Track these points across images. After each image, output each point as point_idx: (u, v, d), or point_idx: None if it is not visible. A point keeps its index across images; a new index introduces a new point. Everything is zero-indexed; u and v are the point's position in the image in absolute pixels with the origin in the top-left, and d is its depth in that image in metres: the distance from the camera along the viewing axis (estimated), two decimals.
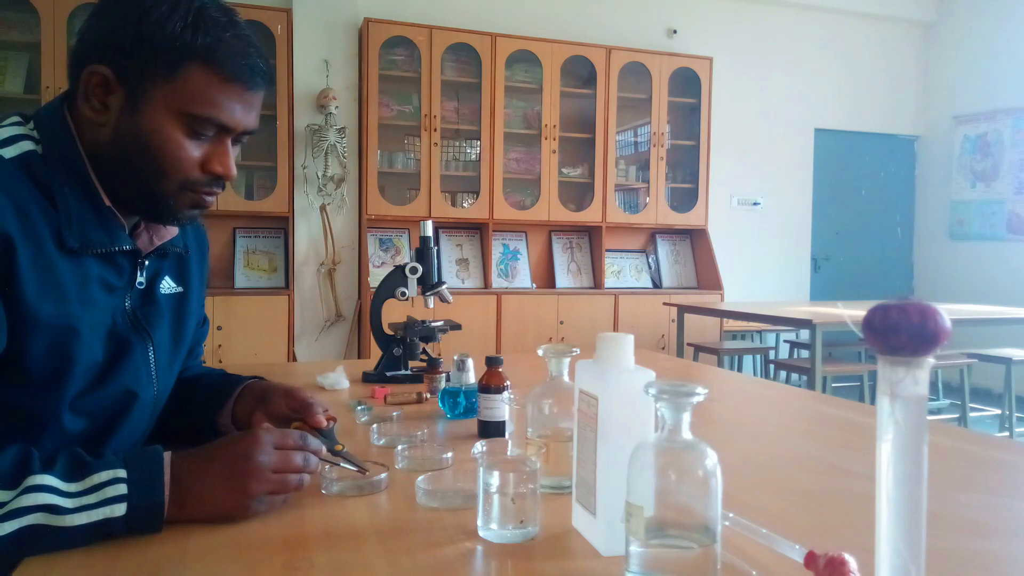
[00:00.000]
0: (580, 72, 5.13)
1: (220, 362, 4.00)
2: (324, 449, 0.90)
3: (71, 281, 0.85)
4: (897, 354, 0.50)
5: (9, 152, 0.83)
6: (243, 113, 0.89)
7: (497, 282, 4.95)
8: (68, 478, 0.73)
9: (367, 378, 1.66)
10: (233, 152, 0.92)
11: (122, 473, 0.75)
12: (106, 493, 0.73)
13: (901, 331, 0.49)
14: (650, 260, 5.47)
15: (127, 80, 0.84)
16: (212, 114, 0.86)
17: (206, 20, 0.84)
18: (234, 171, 0.91)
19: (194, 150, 0.87)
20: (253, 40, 0.89)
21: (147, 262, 0.97)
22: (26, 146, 0.84)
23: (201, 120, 0.86)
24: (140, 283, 0.96)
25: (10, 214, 0.79)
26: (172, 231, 1.00)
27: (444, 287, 1.74)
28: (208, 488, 0.79)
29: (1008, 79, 5.91)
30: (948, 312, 0.48)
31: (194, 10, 0.84)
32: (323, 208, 4.53)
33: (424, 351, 1.70)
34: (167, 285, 1.01)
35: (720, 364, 4.68)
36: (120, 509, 0.73)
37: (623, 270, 5.36)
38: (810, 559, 0.61)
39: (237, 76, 0.86)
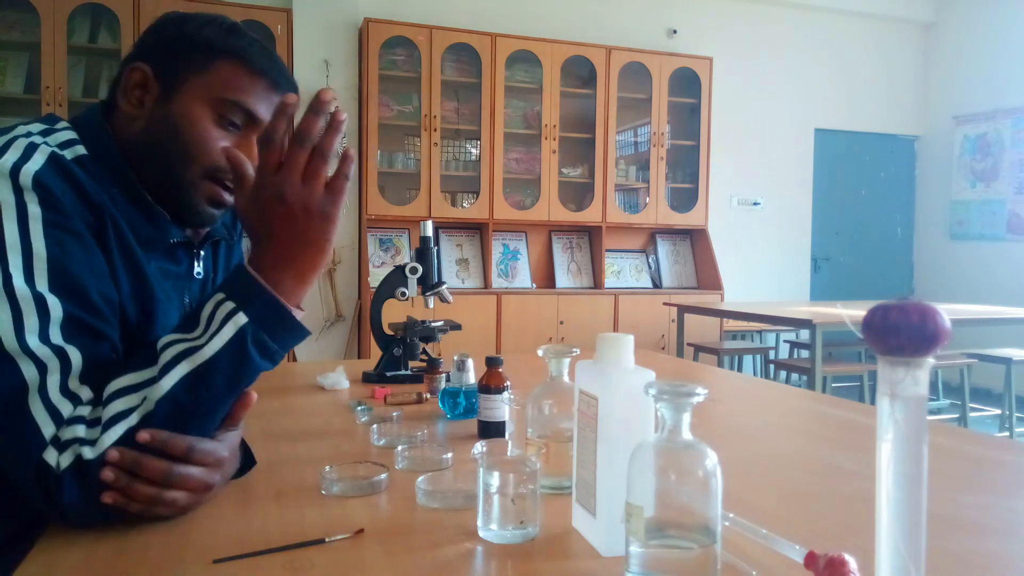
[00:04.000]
0: (580, 72, 5.13)
1: None
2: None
3: (144, 273, 0.90)
4: (897, 354, 0.50)
5: (68, 155, 0.86)
6: (268, 110, 0.94)
7: (497, 282, 4.95)
8: (186, 330, 0.78)
9: (367, 378, 1.66)
10: None
11: (220, 295, 0.78)
12: (219, 315, 0.77)
13: (901, 331, 0.49)
14: (650, 260, 5.47)
15: (163, 76, 0.91)
16: (240, 98, 0.91)
17: (238, 30, 0.94)
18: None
19: (220, 139, 0.91)
20: (277, 56, 0.97)
21: (202, 252, 1.03)
22: (79, 150, 0.88)
23: (229, 104, 0.91)
24: (198, 273, 1.02)
25: (99, 193, 0.85)
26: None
27: (444, 287, 1.74)
28: (286, 241, 0.79)
29: (1008, 79, 5.91)
30: (948, 312, 0.48)
31: (228, 24, 0.94)
32: None
33: (424, 351, 1.70)
34: (218, 269, 1.09)
35: (720, 364, 4.68)
36: (241, 319, 0.77)
37: (623, 270, 5.36)
38: (810, 559, 0.61)
39: (265, 71, 0.93)
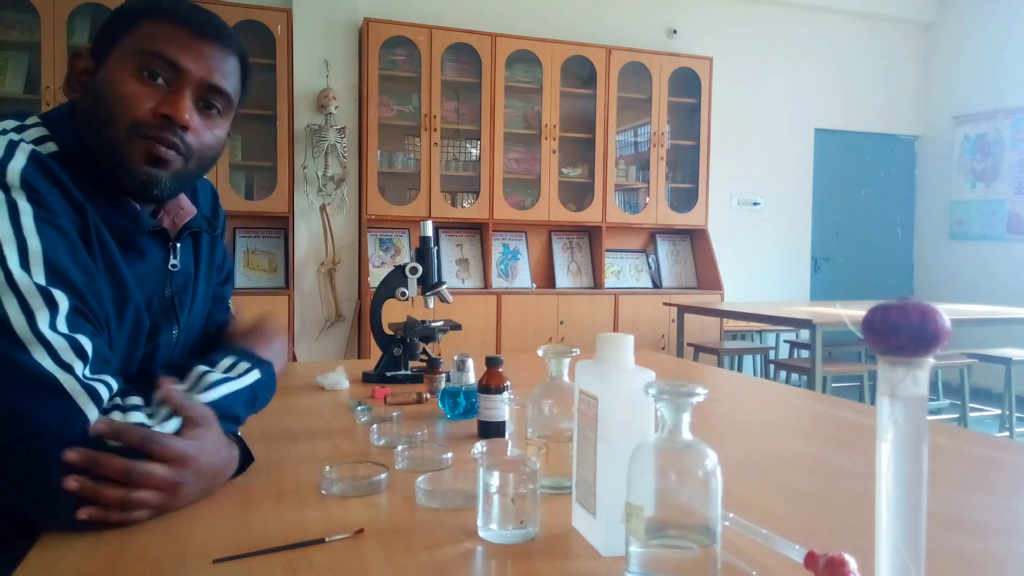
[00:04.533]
0: (580, 72, 5.13)
1: None
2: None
3: (120, 272, 0.90)
4: (897, 354, 0.50)
5: (43, 150, 0.86)
6: (195, 59, 0.90)
7: (497, 282, 4.95)
8: (215, 366, 0.96)
9: (367, 378, 1.66)
10: (216, 126, 0.94)
11: (234, 357, 1.00)
12: (242, 367, 0.99)
13: (901, 331, 0.49)
14: (650, 260, 5.47)
15: (97, 55, 0.90)
16: (157, 48, 0.88)
17: None
18: (186, 116, 0.89)
19: (145, 95, 0.88)
20: (212, 14, 0.94)
21: (179, 245, 1.01)
22: (51, 147, 0.87)
23: (148, 56, 0.88)
24: (173, 266, 1.01)
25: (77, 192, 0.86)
26: (191, 211, 1.04)
27: (444, 287, 1.74)
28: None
29: (1008, 79, 5.90)
30: (948, 312, 0.48)
31: None
32: (323, 208, 4.53)
33: (424, 351, 1.70)
34: (200, 263, 1.09)
35: (720, 364, 4.68)
36: (256, 375, 0.99)
37: (623, 270, 5.36)
38: (810, 559, 0.61)
39: (185, 20, 0.90)
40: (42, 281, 0.77)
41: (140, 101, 0.87)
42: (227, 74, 0.93)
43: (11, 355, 0.74)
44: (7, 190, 0.79)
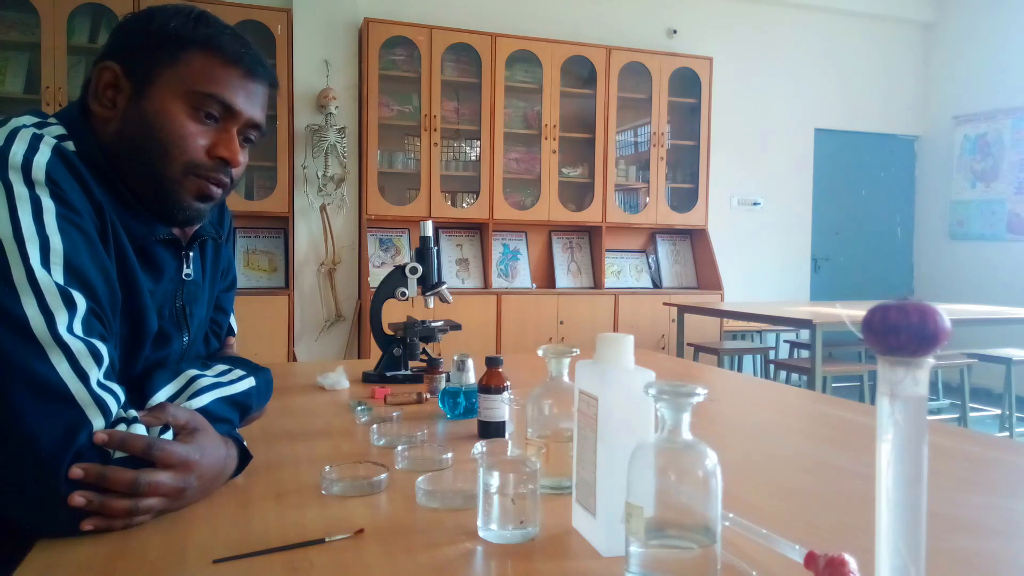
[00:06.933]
0: (580, 72, 5.13)
1: None
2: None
3: (134, 276, 0.91)
4: (897, 354, 0.50)
5: (67, 147, 0.86)
6: (246, 100, 0.92)
7: (497, 282, 4.95)
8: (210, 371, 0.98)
9: (367, 378, 1.66)
10: (245, 153, 0.96)
11: (227, 365, 1.02)
12: (237, 372, 1.01)
13: (901, 331, 0.49)
14: (650, 260, 5.47)
15: (134, 73, 0.89)
16: (214, 91, 0.89)
17: (206, 19, 0.92)
18: (240, 159, 0.93)
19: (199, 134, 0.90)
20: (251, 43, 0.95)
21: (191, 254, 1.02)
22: (70, 146, 0.87)
23: (204, 97, 0.89)
24: (187, 275, 1.01)
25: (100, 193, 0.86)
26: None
27: (444, 287, 1.74)
28: None
29: (1008, 79, 5.90)
30: (948, 312, 0.48)
31: (196, 14, 0.91)
32: (323, 208, 4.53)
33: (424, 351, 1.70)
34: (207, 270, 1.09)
35: (720, 364, 4.68)
36: (251, 381, 1.02)
37: (623, 270, 5.36)
38: (810, 559, 0.61)
39: (237, 60, 0.91)
40: (61, 281, 0.77)
41: (195, 140, 0.89)
42: (265, 107, 0.97)
43: (26, 360, 0.73)
44: (31, 186, 0.78)
